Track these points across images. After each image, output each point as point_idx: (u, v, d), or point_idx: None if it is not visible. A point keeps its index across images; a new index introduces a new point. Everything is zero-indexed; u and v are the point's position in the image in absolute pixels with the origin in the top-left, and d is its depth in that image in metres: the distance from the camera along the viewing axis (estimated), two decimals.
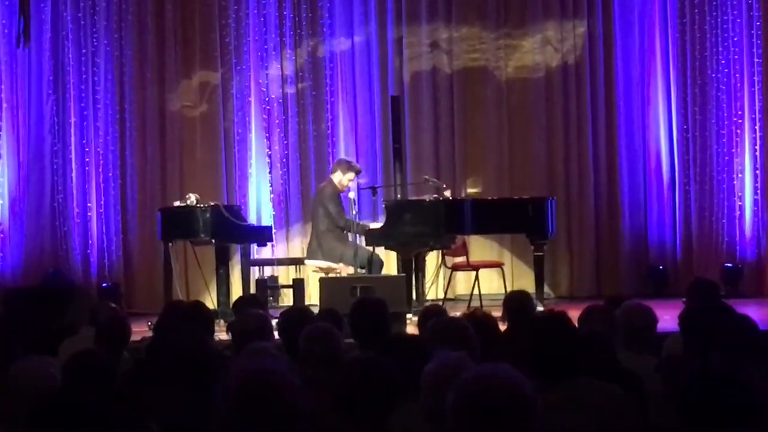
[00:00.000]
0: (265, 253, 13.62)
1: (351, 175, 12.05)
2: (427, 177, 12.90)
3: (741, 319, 5.28)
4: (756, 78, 13.46)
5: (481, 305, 11.53)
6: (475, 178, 14.36)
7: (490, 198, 12.71)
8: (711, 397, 3.54)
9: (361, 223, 12.10)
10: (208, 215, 11.95)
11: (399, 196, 12.81)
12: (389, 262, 12.66)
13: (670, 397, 4.23)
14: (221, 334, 8.90)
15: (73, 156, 14.08)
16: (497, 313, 7.27)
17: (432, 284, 13.11)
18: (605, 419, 4.35)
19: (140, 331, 9.31)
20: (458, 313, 7.87)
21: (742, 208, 13.60)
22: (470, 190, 14.23)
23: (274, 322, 6.85)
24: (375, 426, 4.13)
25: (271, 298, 13.11)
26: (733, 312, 5.35)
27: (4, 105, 13.86)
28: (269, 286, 13.24)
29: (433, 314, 6.79)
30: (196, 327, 5.77)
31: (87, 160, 14.11)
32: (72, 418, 3.74)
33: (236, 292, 12.36)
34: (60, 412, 3.76)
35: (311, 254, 12.18)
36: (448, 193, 12.48)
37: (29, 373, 4.59)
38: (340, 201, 12.03)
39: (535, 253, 11.89)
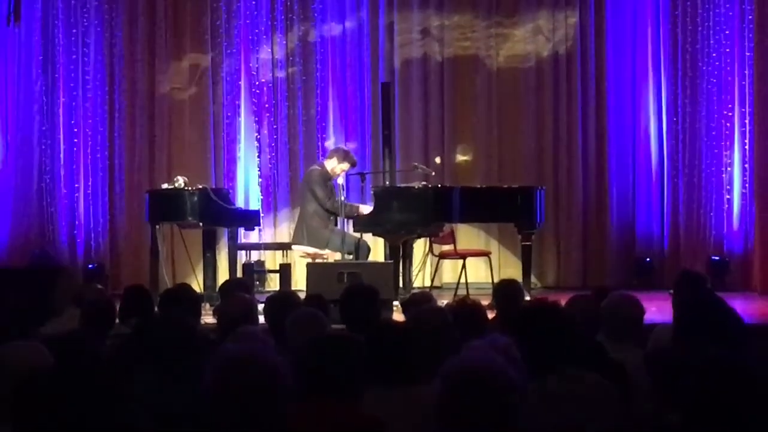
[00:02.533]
0: (252, 237, 13.61)
1: (346, 165, 12.03)
2: (416, 164, 12.90)
3: (730, 312, 5.28)
4: (747, 72, 13.44)
5: (468, 294, 11.51)
6: (464, 153, 14.37)
7: (478, 186, 12.69)
8: (718, 389, 3.53)
9: (349, 204, 12.07)
10: (195, 198, 11.93)
11: (387, 182, 12.80)
12: (377, 248, 12.65)
13: (662, 388, 4.22)
14: (207, 317, 8.90)
15: (61, 136, 14.06)
16: (485, 302, 7.26)
17: (419, 272, 13.14)
18: (593, 410, 4.35)
19: None
20: (445, 302, 7.88)
21: (730, 202, 13.61)
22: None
23: (260, 306, 6.84)
24: (348, 407, 4.14)
25: (257, 282, 13.12)
26: (725, 304, 5.35)
27: None
28: (256, 271, 13.24)
29: (419, 302, 6.80)
30: (182, 310, 5.77)
31: (75, 140, 14.09)
32: (57, 400, 3.73)
33: (223, 275, 12.36)
34: (44, 394, 3.74)
35: (297, 240, 12.16)
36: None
37: (22, 355, 4.56)
38: (329, 185, 12.01)
39: (523, 243, 11.89)
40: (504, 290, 7.54)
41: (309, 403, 4.14)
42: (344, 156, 12.12)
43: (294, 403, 4.11)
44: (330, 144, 13.97)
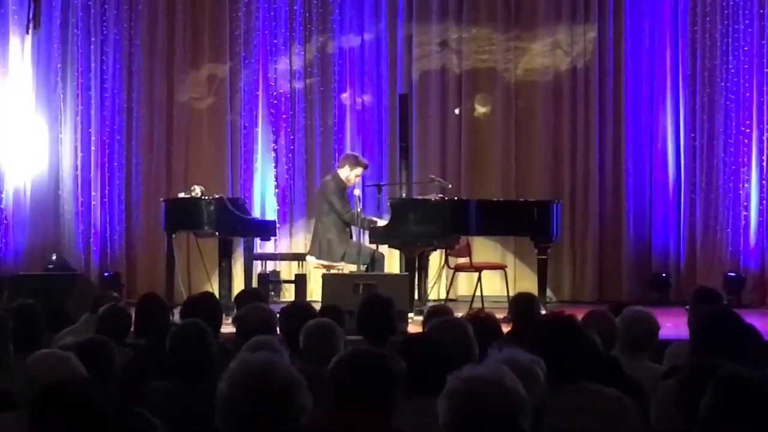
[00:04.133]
0: (268, 247, 13.61)
1: (359, 170, 12.04)
2: (433, 176, 12.91)
3: (749, 328, 5.27)
4: (765, 88, 13.43)
5: (483, 307, 11.52)
6: (481, 166, 14.38)
7: (495, 200, 12.69)
8: (737, 406, 3.53)
9: (366, 217, 12.07)
10: (212, 208, 11.95)
11: (404, 194, 12.79)
12: (393, 260, 12.64)
13: (684, 405, 4.20)
14: (223, 327, 8.90)
15: (79, 144, 14.09)
16: (499, 315, 7.26)
17: (434, 284, 13.13)
18: (612, 425, 4.35)
19: None
20: (460, 314, 7.88)
21: (747, 218, 13.58)
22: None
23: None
24: (379, 421, 4.13)
25: (272, 292, 13.12)
26: (742, 320, 5.34)
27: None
28: (271, 281, 13.25)
29: (438, 314, 6.80)
30: (201, 319, 5.78)
31: (93, 149, 14.12)
32: (74, 406, 3.74)
33: (238, 285, 12.35)
34: (62, 400, 3.76)
35: (312, 252, 12.19)
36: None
37: (49, 362, 4.58)
38: (345, 195, 12.02)
39: (539, 257, 11.89)
40: (520, 304, 7.55)
41: (342, 413, 4.14)
42: (355, 161, 12.12)
43: (328, 413, 4.12)
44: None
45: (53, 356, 4.71)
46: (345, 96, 14.36)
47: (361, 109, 14.37)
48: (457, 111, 13.85)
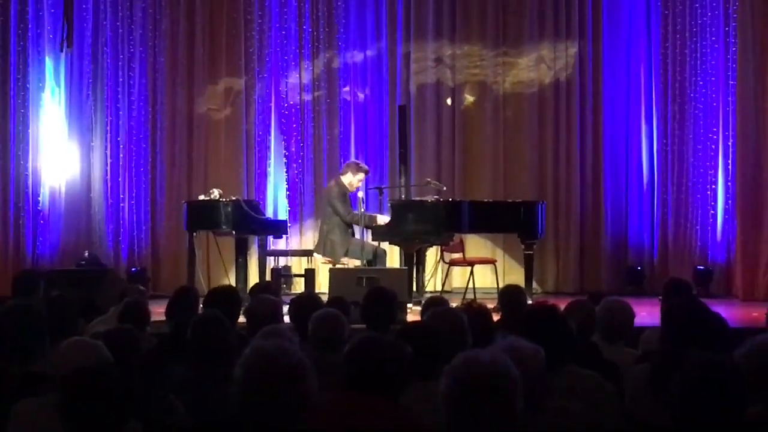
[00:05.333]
0: (280, 244, 13.63)
1: (361, 175, 12.03)
2: (429, 179, 12.90)
3: (715, 317, 5.26)
4: (730, 99, 13.41)
5: (475, 298, 11.51)
6: (473, 170, 14.36)
7: (486, 200, 12.67)
8: (708, 389, 3.52)
9: (368, 214, 12.06)
10: (229, 209, 11.94)
11: (403, 196, 12.78)
12: (393, 256, 12.63)
13: (655, 387, 4.19)
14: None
15: (108, 152, 14.09)
16: (490, 305, 7.24)
17: (431, 277, 13.11)
18: (594, 406, 4.34)
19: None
20: (455, 305, 7.86)
21: (714, 216, 13.57)
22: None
23: (285, 307, 6.85)
24: (389, 402, 4.11)
25: (284, 285, 13.10)
26: (709, 309, 5.33)
27: (47, 104, 13.88)
28: (283, 275, 13.22)
29: (435, 304, 6.79)
30: (218, 309, 5.77)
31: (121, 156, 14.12)
32: (101, 389, 3.74)
33: (253, 279, 12.36)
34: (90, 383, 3.75)
35: (318, 250, 12.20)
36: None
37: (80, 349, 4.57)
38: (347, 199, 12.01)
39: (526, 252, 11.87)
40: (509, 295, 7.54)
41: (351, 396, 4.12)
42: (357, 167, 12.11)
43: (341, 394, 4.11)
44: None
45: (83, 344, 4.70)
46: (347, 90, 14.36)
47: (363, 118, 14.36)
48: (449, 101, 13.89)
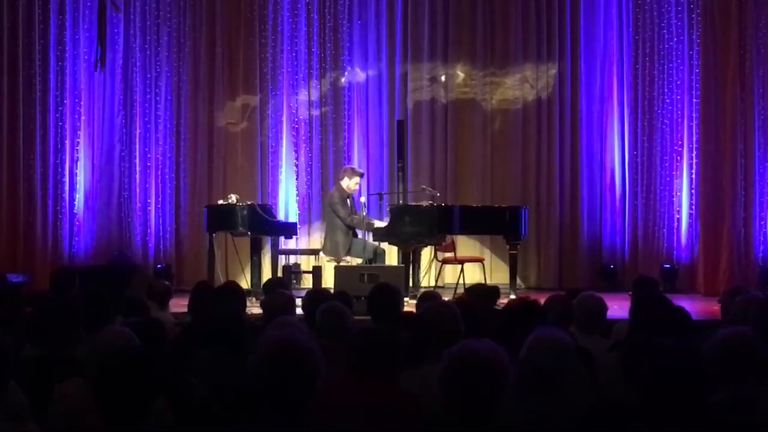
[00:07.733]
0: (290, 244, 13.62)
1: (357, 179, 12.06)
2: (424, 186, 12.92)
3: (677, 309, 5.29)
4: (694, 115, 13.45)
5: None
6: (463, 178, 14.37)
7: (475, 205, 12.68)
8: (672, 371, 3.55)
9: (366, 218, 12.08)
10: (245, 212, 11.96)
11: (401, 201, 12.80)
12: (392, 254, 12.66)
13: (625, 371, 4.22)
14: (253, 309, 8.93)
15: (137, 161, 14.11)
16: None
17: (426, 274, 13.13)
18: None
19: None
20: (447, 298, 7.88)
21: (679, 220, 13.60)
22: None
23: (297, 300, 6.87)
24: (389, 382, 4.14)
25: (294, 281, 13.10)
26: (671, 303, 5.35)
27: (83, 118, 13.93)
28: (293, 272, 13.21)
29: (429, 298, 6.80)
30: (233, 302, 5.79)
31: (148, 164, 14.14)
32: (131, 372, 3.76)
33: (266, 275, 12.35)
34: (121, 367, 3.77)
35: (323, 249, 12.25)
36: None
37: (112, 337, 4.60)
38: (347, 204, 12.03)
39: (510, 252, 11.89)
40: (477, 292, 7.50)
41: (356, 378, 4.14)
42: (352, 172, 12.13)
43: (346, 377, 4.12)
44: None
45: (115, 332, 4.73)
46: (350, 106, 14.35)
47: (365, 131, 14.37)
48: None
